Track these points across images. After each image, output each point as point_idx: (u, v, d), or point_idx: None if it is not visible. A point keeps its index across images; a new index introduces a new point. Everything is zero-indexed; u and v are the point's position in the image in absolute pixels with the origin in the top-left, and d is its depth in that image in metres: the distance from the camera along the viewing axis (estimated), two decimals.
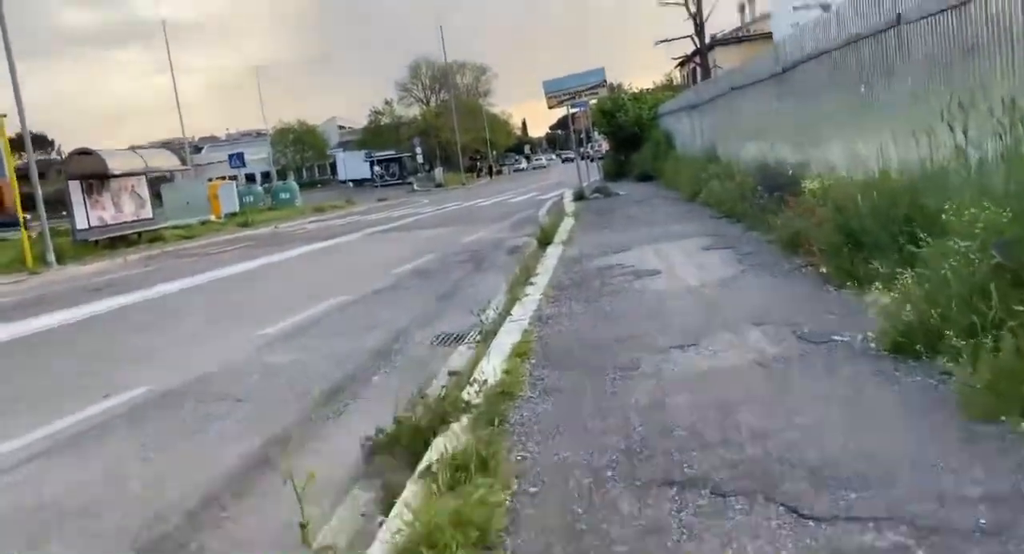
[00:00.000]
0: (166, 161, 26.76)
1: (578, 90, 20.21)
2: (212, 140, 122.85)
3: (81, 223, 23.47)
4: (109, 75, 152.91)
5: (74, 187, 23.25)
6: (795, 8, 13.74)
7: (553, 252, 10.88)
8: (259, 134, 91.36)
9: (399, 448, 4.33)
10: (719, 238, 9.97)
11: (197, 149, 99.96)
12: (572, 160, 24.50)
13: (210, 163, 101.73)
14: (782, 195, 9.46)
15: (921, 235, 4.77)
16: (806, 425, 3.69)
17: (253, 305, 10.75)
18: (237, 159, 33.74)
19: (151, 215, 26.79)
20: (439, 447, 3.99)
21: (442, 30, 72.45)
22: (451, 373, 5.94)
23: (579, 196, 20.37)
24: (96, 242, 23.88)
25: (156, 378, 6.82)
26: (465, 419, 4.40)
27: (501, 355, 5.66)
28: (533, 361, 5.46)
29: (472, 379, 5.03)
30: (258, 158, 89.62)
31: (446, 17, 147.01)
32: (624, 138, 27.83)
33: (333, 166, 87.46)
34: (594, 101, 23.66)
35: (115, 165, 23.43)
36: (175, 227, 29.29)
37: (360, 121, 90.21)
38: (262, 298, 11.31)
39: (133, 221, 25.69)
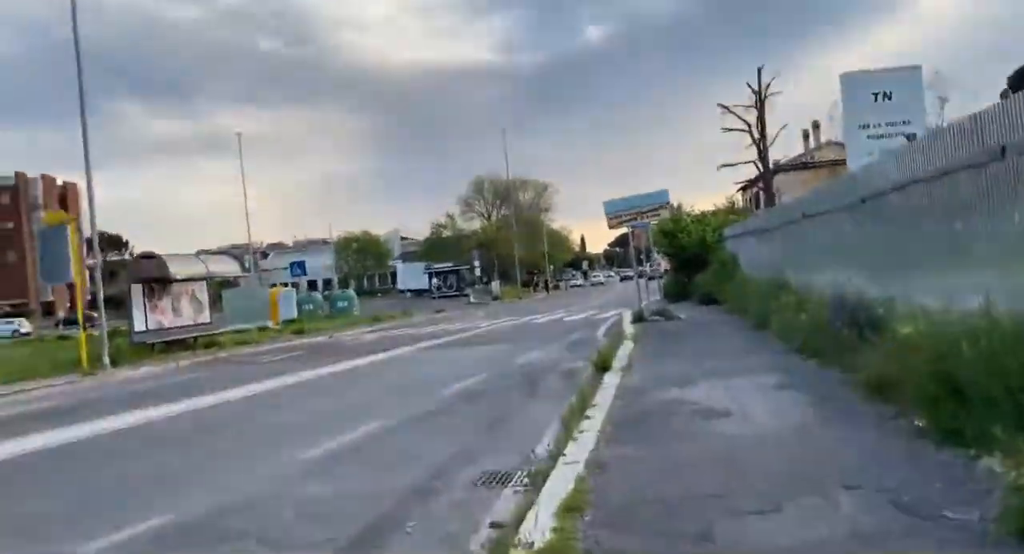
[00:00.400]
0: (227, 267, 27.22)
1: (640, 211, 19.97)
2: (279, 246, 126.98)
3: (139, 326, 23.70)
4: (188, 182, 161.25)
5: (136, 290, 23.63)
6: (869, 137, 13.32)
7: (611, 381, 10.22)
8: (324, 242, 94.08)
9: None
10: (792, 375, 9.21)
11: (264, 255, 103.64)
12: (631, 278, 24.08)
13: (275, 269, 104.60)
14: (861, 331, 8.74)
15: None
16: None
17: (294, 424, 10.26)
18: (299, 268, 34.29)
19: (209, 320, 27.00)
20: None
21: (506, 147, 74.12)
22: (493, 525, 5.28)
23: (638, 318, 19.75)
24: (152, 345, 24.01)
25: (174, 507, 6.29)
26: None
27: (551, 508, 4.99)
28: (588, 518, 4.77)
29: (517, 539, 4.37)
30: (322, 266, 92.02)
31: (511, 135, 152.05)
32: (686, 259, 27.42)
33: (394, 275, 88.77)
34: (655, 222, 23.42)
35: (177, 269, 23.82)
36: (233, 332, 29.51)
37: (423, 232, 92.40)
38: (305, 417, 10.83)
39: (191, 325, 25.86)
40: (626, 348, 13.72)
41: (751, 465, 5.56)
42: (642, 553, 4.05)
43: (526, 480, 6.17)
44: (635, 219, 20.23)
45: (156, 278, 23.96)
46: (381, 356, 18.58)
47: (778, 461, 5.60)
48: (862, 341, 8.49)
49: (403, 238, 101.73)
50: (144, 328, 23.89)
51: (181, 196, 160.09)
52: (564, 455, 6.40)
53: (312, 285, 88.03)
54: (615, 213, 20.25)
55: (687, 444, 6.38)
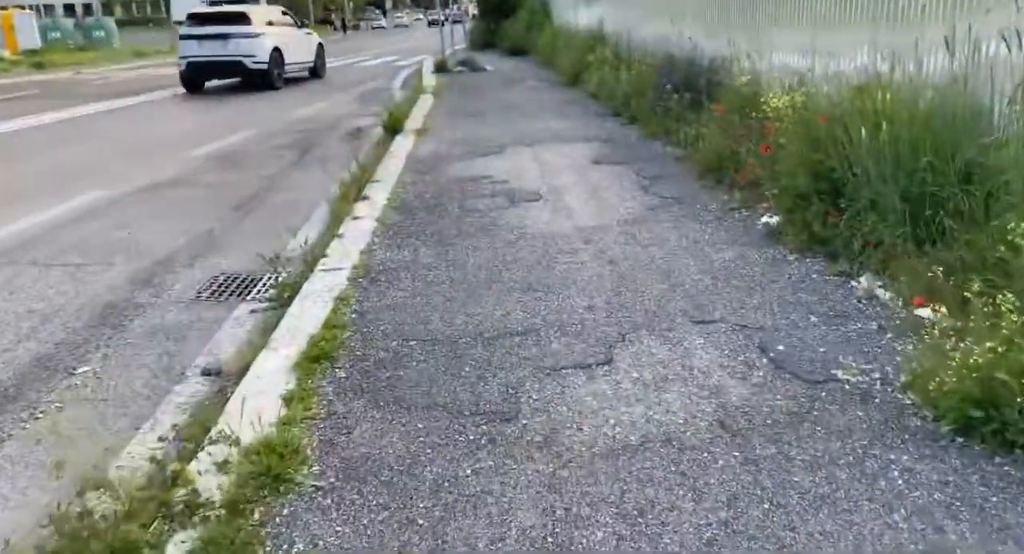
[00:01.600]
0: None
1: None
2: None
3: None
4: None
5: None
6: None
7: (402, 146, 8.44)
8: None
9: None
10: (613, 146, 7.86)
11: None
12: (439, 23, 21.48)
13: None
14: (697, 97, 7.40)
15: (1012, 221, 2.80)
16: None
17: None
18: None
19: None
20: None
21: None
22: (207, 373, 3.64)
23: (441, 68, 17.57)
24: None
25: None
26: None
27: (290, 355, 3.40)
28: (341, 375, 3.24)
29: (218, 430, 2.76)
30: None
31: None
32: (495, 3, 24.78)
33: (167, 4, 77.39)
34: None
35: None
36: None
37: None
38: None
39: None
40: (424, 104, 11.79)
41: (570, 282, 4.17)
42: (399, 470, 2.57)
43: (271, 293, 4.51)
44: None
45: None
46: (131, 101, 15.34)
47: (604, 276, 4.25)
48: (697, 111, 7.17)
49: None
50: None
51: None
52: (325, 258, 4.75)
53: (69, 10, 75.32)
54: None
55: (488, 245, 4.88)
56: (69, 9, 76.78)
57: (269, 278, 4.75)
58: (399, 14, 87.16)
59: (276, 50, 15.91)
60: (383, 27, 70.36)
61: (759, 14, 6.90)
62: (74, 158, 9.31)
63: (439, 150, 8.08)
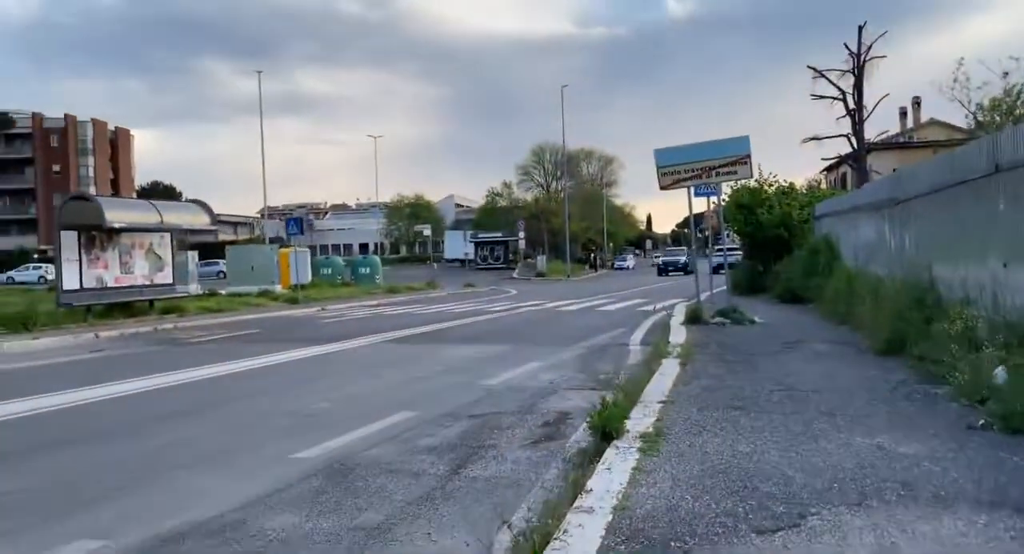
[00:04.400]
0: (191, 218, 22.22)
1: (708, 165, 13.88)
2: (343, 208, 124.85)
3: (70, 283, 19.03)
4: (266, 140, 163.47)
5: (68, 239, 18.94)
6: None
7: (611, 480, 4.74)
8: (387, 206, 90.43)
9: None
10: None
11: (323, 213, 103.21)
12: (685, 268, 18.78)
13: (330, 230, 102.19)
14: None
15: None
16: None
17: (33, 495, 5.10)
18: (295, 225, 29.21)
19: (170, 280, 22.24)
20: None
21: (564, 109, 63.64)
22: None
23: (694, 318, 14.05)
24: (88, 308, 19.36)
25: None
26: None
27: None
28: None
29: None
30: (371, 229, 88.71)
31: (583, 110, 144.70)
32: (764, 242, 21.37)
33: (443, 244, 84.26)
34: (730, 184, 17.51)
35: (115, 217, 18.99)
36: (230, 295, 25.23)
37: (480, 201, 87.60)
38: (54, 478, 5.66)
39: (144, 285, 21.19)
40: (665, 379, 8.14)
41: None
42: None
43: None
44: (699, 177, 14.14)
45: (91, 225, 19.20)
46: (330, 348, 13.38)
47: None
48: None
49: (458, 205, 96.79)
50: (77, 286, 19.25)
51: (252, 157, 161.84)
52: None
53: (364, 249, 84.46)
54: (671, 166, 14.13)
55: None
56: (363, 248, 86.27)
57: None
58: (656, 253, 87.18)
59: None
60: (629, 268, 67.26)
61: None
62: (160, 442, 6.69)
63: (673, 501, 4.26)
